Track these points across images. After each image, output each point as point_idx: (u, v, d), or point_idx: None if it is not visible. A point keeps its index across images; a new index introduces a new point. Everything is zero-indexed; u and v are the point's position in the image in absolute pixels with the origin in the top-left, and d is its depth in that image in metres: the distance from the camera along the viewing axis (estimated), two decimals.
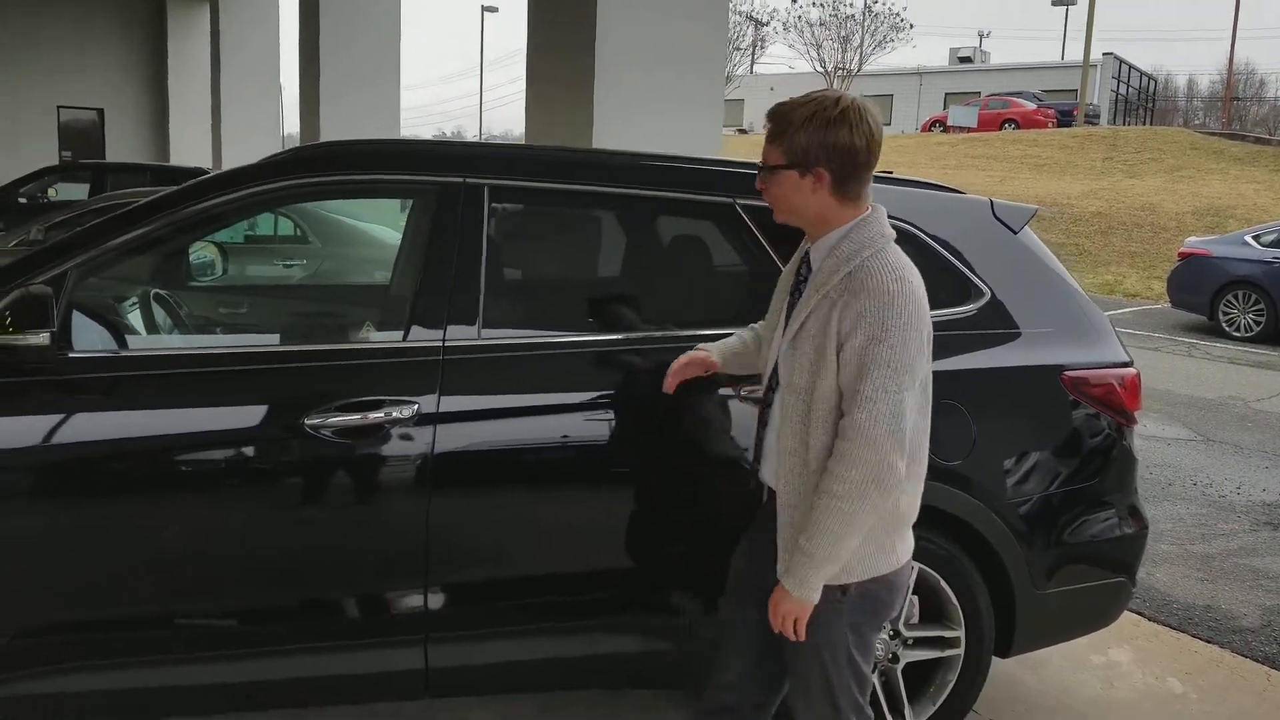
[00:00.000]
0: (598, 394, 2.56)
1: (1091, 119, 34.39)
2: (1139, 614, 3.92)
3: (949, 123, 34.03)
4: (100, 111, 19.70)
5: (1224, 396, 8.43)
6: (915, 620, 2.74)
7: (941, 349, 2.63)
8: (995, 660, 3.37)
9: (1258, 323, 11.31)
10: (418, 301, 2.53)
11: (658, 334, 2.65)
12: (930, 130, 34.80)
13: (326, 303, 4.11)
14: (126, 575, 2.34)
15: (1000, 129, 31.81)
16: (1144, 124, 41.68)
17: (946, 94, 42.21)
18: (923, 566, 2.65)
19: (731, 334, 2.39)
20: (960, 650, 2.74)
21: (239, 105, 14.31)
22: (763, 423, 2.09)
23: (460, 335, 2.49)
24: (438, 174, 2.61)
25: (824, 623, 1.94)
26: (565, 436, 2.53)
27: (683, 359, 2.34)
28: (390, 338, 2.71)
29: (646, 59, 4.85)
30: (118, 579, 2.34)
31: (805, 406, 1.90)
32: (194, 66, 18.32)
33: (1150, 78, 50.01)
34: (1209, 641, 3.74)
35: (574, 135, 4.86)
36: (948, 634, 2.73)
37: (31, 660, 2.32)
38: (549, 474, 2.55)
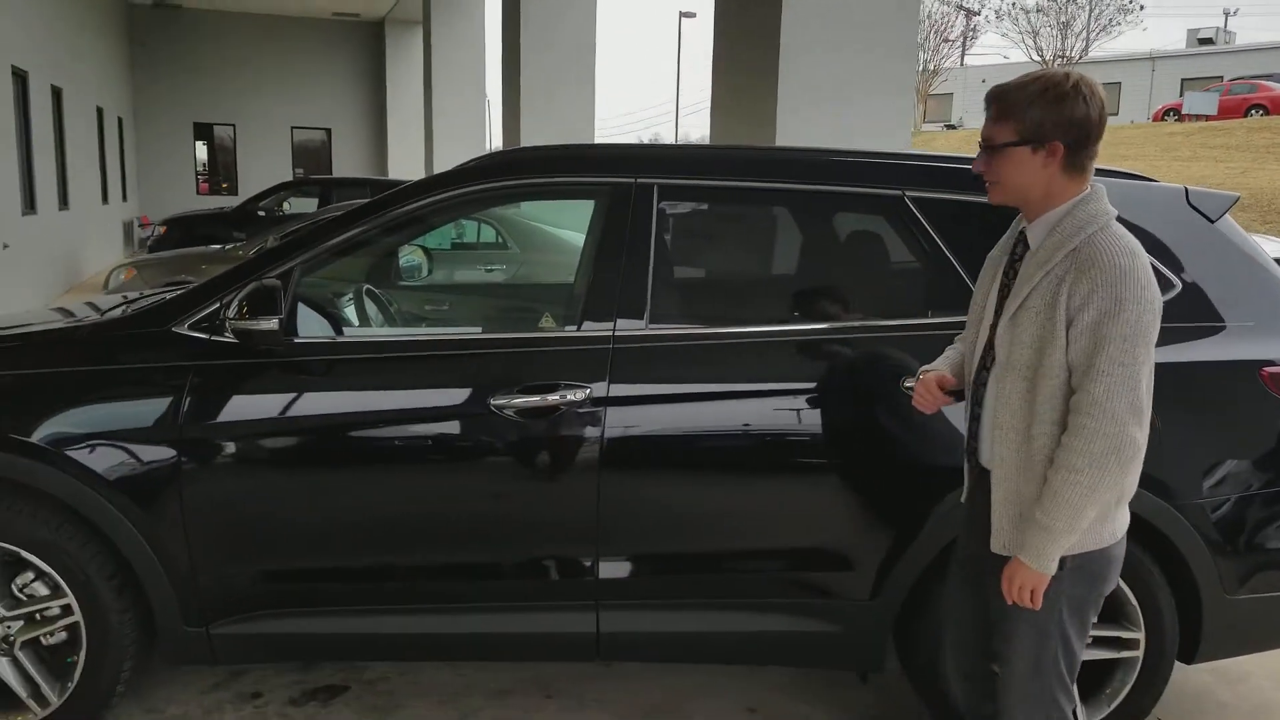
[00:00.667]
0: (759, 384, 2.67)
1: None
2: None
3: (1184, 110, 31.50)
4: (328, 131, 21.52)
5: None
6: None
7: None
8: (1188, 671, 3.24)
9: None
10: (590, 296, 2.73)
11: (819, 326, 2.74)
12: (1163, 119, 32.35)
13: (515, 300, 4.43)
14: (337, 532, 2.66)
15: (1245, 116, 29.17)
16: None
17: (1183, 80, 39.06)
18: None
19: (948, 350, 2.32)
20: (1139, 653, 2.66)
21: (448, 119, 15.26)
22: (977, 403, 2.10)
23: (629, 327, 2.66)
24: (610, 175, 2.80)
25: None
26: (727, 422, 2.66)
27: (928, 384, 2.20)
28: (567, 329, 2.92)
29: (833, 41, 4.81)
30: (330, 535, 2.66)
31: (1027, 383, 1.93)
32: (408, 86, 19.68)
33: None
34: None
35: (757, 128, 4.93)
36: (1125, 635, 2.66)
37: (264, 603, 2.67)
38: (712, 457, 2.68)
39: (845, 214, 2.88)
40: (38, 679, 2.69)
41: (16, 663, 2.69)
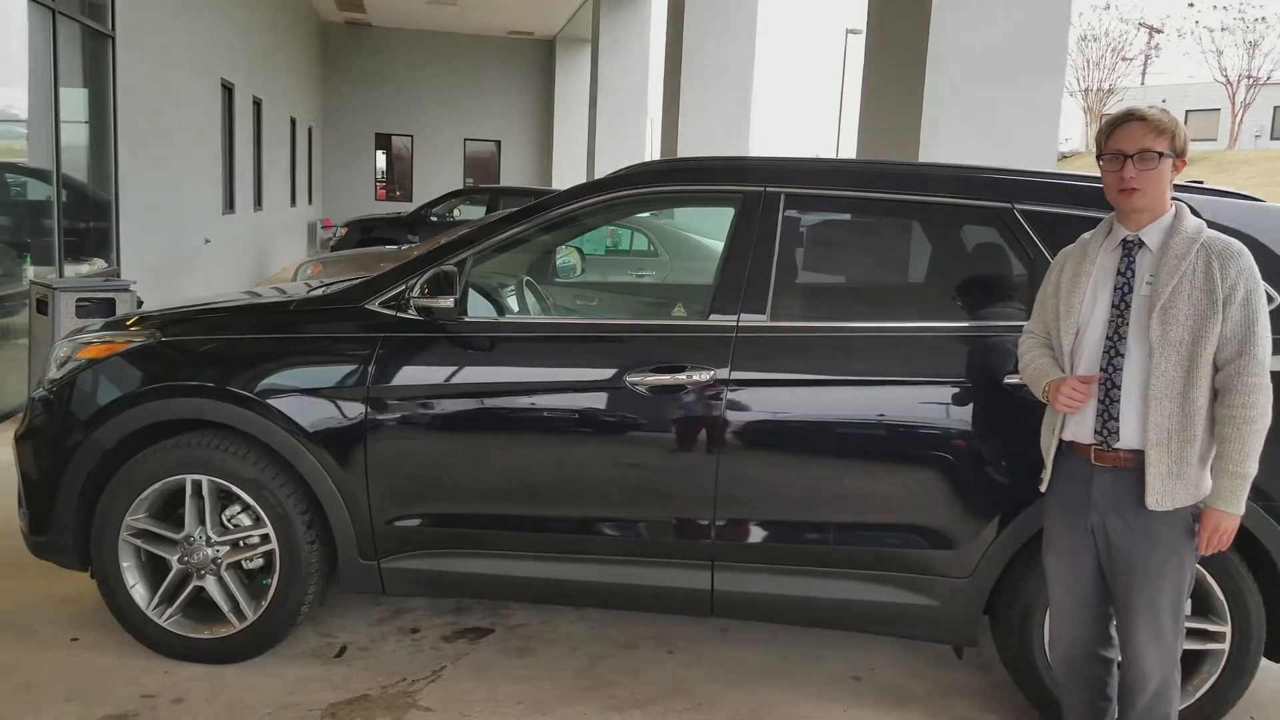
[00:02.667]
0: (869, 375, 2.94)
1: None
2: None
3: None
4: (498, 143, 22.63)
5: None
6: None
7: None
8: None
9: None
10: (720, 291, 3.07)
11: (929, 325, 2.98)
12: None
13: (657, 297, 4.81)
14: (491, 485, 3.07)
15: None
16: None
17: None
18: None
19: (1040, 356, 2.52)
20: (1225, 646, 2.78)
21: (611, 134, 15.86)
22: (1115, 386, 2.34)
23: (751, 320, 2.98)
24: (743, 184, 3.13)
25: (1178, 545, 2.35)
26: (838, 408, 2.94)
27: (1076, 384, 2.36)
28: (698, 320, 3.25)
29: (978, 74, 4.98)
30: (485, 487, 3.08)
31: (1183, 356, 2.26)
32: (575, 101, 20.46)
33: None
34: None
35: (900, 149, 5.10)
36: (1211, 628, 2.79)
37: (427, 544, 3.12)
38: (824, 438, 2.96)
39: (957, 223, 3.11)
40: (238, 597, 3.18)
41: (222, 582, 3.19)
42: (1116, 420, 2.33)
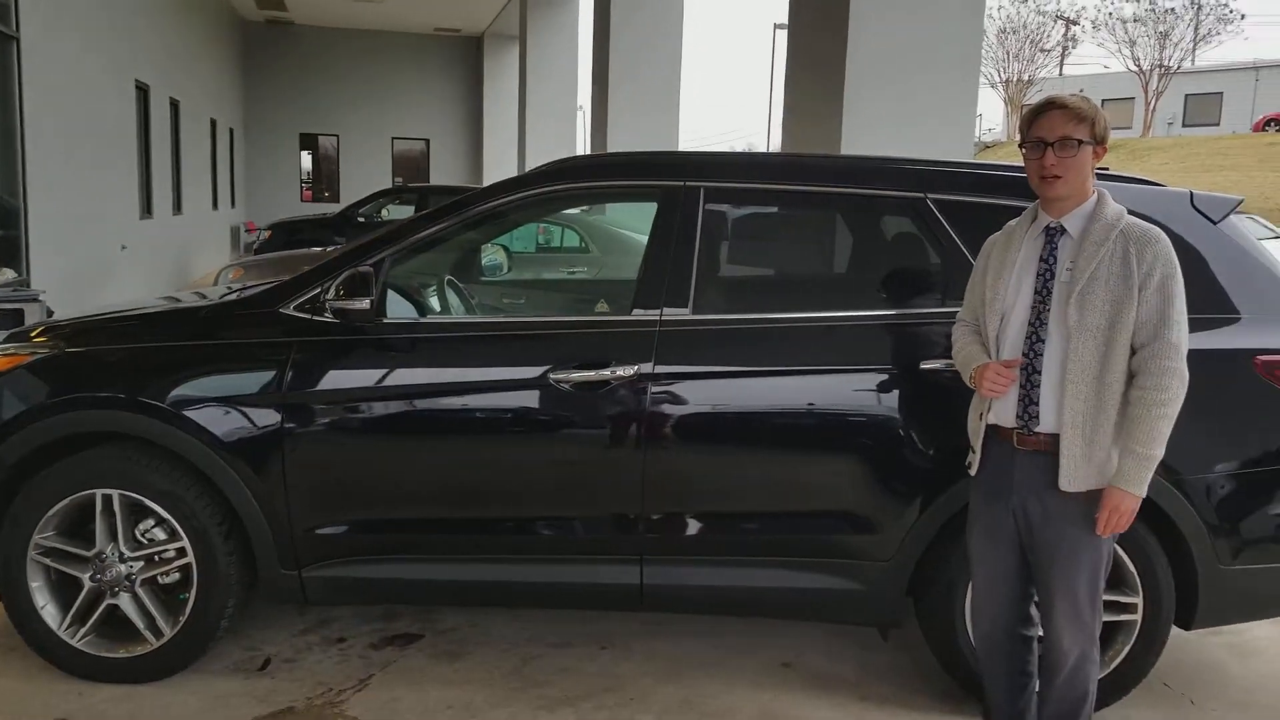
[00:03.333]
0: (791, 365, 2.96)
1: None
2: None
3: None
4: (427, 141, 22.36)
5: None
6: None
7: None
8: (1199, 643, 3.42)
9: None
10: (642, 287, 3.06)
11: (845, 314, 3.01)
12: (1264, 129, 31.34)
13: (584, 294, 4.79)
14: (415, 488, 3.03)
15: None
16: None
17: None
18: None
19: (969, 344, 2.56)
20: (1137, 617, 2.87)
21: (541, 130, 15.79)
22: (1036, 371, 2.38)
23: (674, 314, 2.98)
24: (663, 180, 3.13)
25: (1093, 527, 2.36)
26: (761, 399, 2.96)
27: (1000, 370, 2.40)
28: (621, 316, 3.24)
29: (896, 68, 5.08)
30: (409, 491, 3.03)
31: (1100, 341, 2.30)
32: (505, 98, 20.32)
33: None
34: None
35: (823, 136, 5.16)
36: (1124, 600, 2.87)
37: (349, 551, 3.06)
38: (747, 428, 2.97)
39: (873, 214, 3.15)
40: (154, 613, 3.08)
41: (137, 599, 3.08)
42: (1036, 405, 2.38)
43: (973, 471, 2.56)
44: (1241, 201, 3.07)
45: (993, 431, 2.48)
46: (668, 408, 2.94)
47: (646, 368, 2.93)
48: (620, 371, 2.93)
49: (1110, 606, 2.88)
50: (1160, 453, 2.30)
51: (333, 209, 16.44)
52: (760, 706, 3.08)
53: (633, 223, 8.74)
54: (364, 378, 3.03)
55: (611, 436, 2.97)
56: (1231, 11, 37.94)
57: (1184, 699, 3.16)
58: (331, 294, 3.01)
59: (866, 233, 3.24)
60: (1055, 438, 2.37)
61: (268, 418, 2.99)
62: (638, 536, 2.98)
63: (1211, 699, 3.17)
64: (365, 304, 2.96)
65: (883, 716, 3.04)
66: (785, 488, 2.96)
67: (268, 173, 21.21)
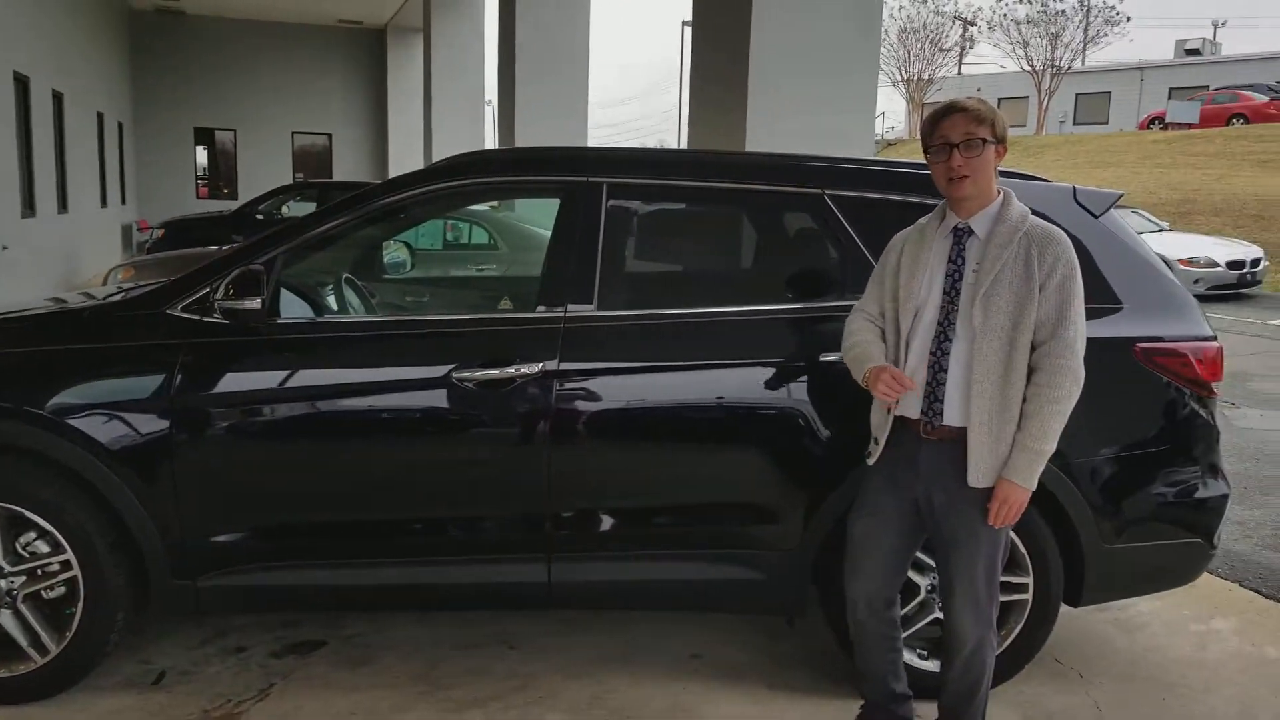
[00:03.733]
0: (694, 360, 2.98)
1: None
2: (1255, 591, 3.95)
3: (1168, 119, 31.95)
4: (329, 135, 21.84)
5: None
6: None
7: None
8: (1087, 619, 3.56)
9: None
10: (546, 283, 3.04)
11: (747, 308, 3.04)
12: (1148, 128, 32.77)
13: (490, 291, 4.74)
14: (313, 492, 2.96)
15: (1227, 124, 29.58)
16: None
17: (1171, 89, 39.42)
18: None
19: (864, 340, 2.59)
20: (1028, 596, 2.97)
21: (447, 126, 15.57)
22: (942, 369, 2.43)
23: (579, 310, 2.97)
24: (565, 175, 3.12)
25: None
26: (666, 394, 2.97)
27: (897, 376, 2.44)
28: (525, 313, 3.22)
29: (798, 67, 5.16)
30: (307, 495, 2.96)
31: (1003, 341, 2.36)
32: (409, 91, 19.97)
33: None
34: None
35: (729, 133, 5.21)
36: (1016, 580, 2.97)
37: (245, 558, 2.97)
38: (652, 424, 2.98)
39: (773, 209, 3.19)
40: (38, 629, 2.93)
41: (19, 615, 2.93)
42: (941, 402, 2.44)
43: (871, 462, 2.61)
44: (1121, 196, 3.20)
45: (899, 422, 2.54)
46: (573, 405, 2.93)
47: (552, 365, 2.91)
48: (525, 369, 2.90)
49: (1003, 587, 2.98)
50: (1051, 448, 2.39)
51: (230, 206, 15.96)
52: (670, 699, 3.10)
53: (543, 219, 8.67)
54: (257, 380, 2.94)
55: (517, 435, 2.95)
56: (1118, 14, 39.57)
57: (1073, 673, 3.28)
58: (220, 294, 2.91)
59: (768, 228, 3.28)
60: (960, 429, 2.43)
61: (156, 424, 2.87)
62: (545, 534, 2.96)
63: (1099, 672, 3.30)
64: (256, 304, 2.87)
65: (790, 703, 3.08)
66: (691, 481, 2.98)
67: (161, 169, 20.43)
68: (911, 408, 2.49)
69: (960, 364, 2.41)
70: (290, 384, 2.95)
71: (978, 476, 2.41)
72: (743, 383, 2.97)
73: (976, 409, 2.38)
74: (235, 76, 20.62)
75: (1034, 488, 2.41)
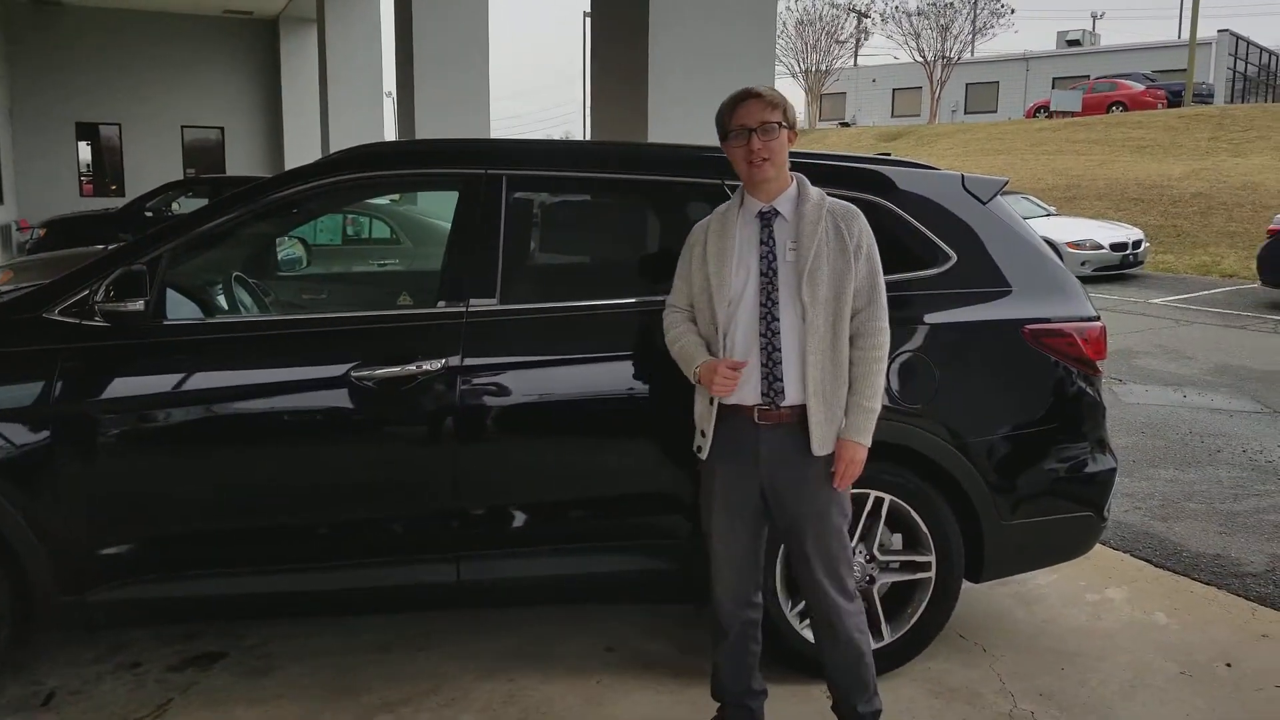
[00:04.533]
0: (597, 352, 2.97)
1: (1204, 98, 33.01)
2: (1145, 560, 4.13)
3: (1052, 107, 33.23)
4: (221, 129, 21.12)
5: None
6: (892, 547, 3.08)
7: (908, 306, 2.99)
8: (989, 594, 3.68)
9: None
10: (447, 277, 2.99)
11: (655, 299, 3.03)
12: (1034, 116, 34.02)
13: (391, 286, 4.65)
14: (208, 500, 2.85)
15: (1107, 112, 30.92)
16: (1269, 102, 39.72)
17: (1054, 79, 40.99)
18: (894, 499, 2.99)
19: (687, 337, 2.62)
20: (931, 574, 3.05)
21: (346, 119, 15.20)
22: (776, 349, 2.47)
23: (481, 304, 2.93)
24: (464, 167, 3.06)
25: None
26: (570, 387, 2.95)
27: (729, 369, 2.47)
28: (427, 308, 3.16)
29: (696, 57, 5.16)
30: (201, 503, 2.85)
31: (830, 312, 2.46)
32: (305, 83, 19.43)
33: (1272, 54, 47.47)
34: (1208, 584, 3.93)
35: (630, 124, 5.20)
36: (919, 559, 3.04)
37: (137, 570, 2.84)
38: (556, 417, 2.96)
39: (673, 200, 3.19)
40: None
41: None
42: (781, 381, 2.48)
43: (704, 455, 2.60)
44: (1007, 182, 3.30)
45: (729, 411, 2.54)
46: (478, 401, 2.89)
47: (455, 361, 2.86)
48: (427, 366, 2.85)
49: (906, 566, 3.06)
50: (879, 405, 2.52)
51: (119, 203, 15.31)
52: (584, 693, 3.09)
53: (447, 213, 8.53)
54: (143, 385, 2.81)
55: (421, 433, 2.89)
56: (1003, 6, 40.91)
57: (977, 647, 3.39)
58: (101, 296, 2.78)
59: (670, 219, 3.27)
60: (798, 409, 2.48)
61: (35, 433, 2.73)
62: (452, 532, 2.92)
63: (1001, 645, 3.41)
64: (140, 305, 2.75)
65: (704, 691, 3.08)
66: (599, 474, 2.97)
67: (41, 165, 19.46)
68: (747, 395, 2.51)
69: (792, 341, 2.47)
70: (179, 388, 2.84)
71: (820, 444, 2.48)
72: (645, 373, 2.96)
73: (813, 379, 2.46)
74: (120, 69, 19.76)
75: (869, 444, 2.51)
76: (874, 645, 3.02)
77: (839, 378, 2.49)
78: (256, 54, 20.95)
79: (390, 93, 20.80)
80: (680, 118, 5.08)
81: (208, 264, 3.49)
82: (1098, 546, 3.86)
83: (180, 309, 3.08)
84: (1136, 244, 14.89)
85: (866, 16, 45.13)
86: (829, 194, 2.60)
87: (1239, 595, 3.83)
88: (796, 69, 43.76)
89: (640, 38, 5.08)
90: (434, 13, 10.38)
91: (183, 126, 20.71)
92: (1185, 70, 32.30)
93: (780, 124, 2.49)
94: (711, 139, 4.50)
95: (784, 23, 42.29)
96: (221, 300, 3.52)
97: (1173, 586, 3.89)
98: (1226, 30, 40.82)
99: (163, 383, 2.83)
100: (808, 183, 2.57)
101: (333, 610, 3.10)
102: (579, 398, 2.96)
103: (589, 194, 3.30)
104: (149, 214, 13.02)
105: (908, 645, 3.12)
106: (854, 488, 2.63)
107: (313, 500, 2.90)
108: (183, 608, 2.94)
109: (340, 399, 2.86)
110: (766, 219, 2.52)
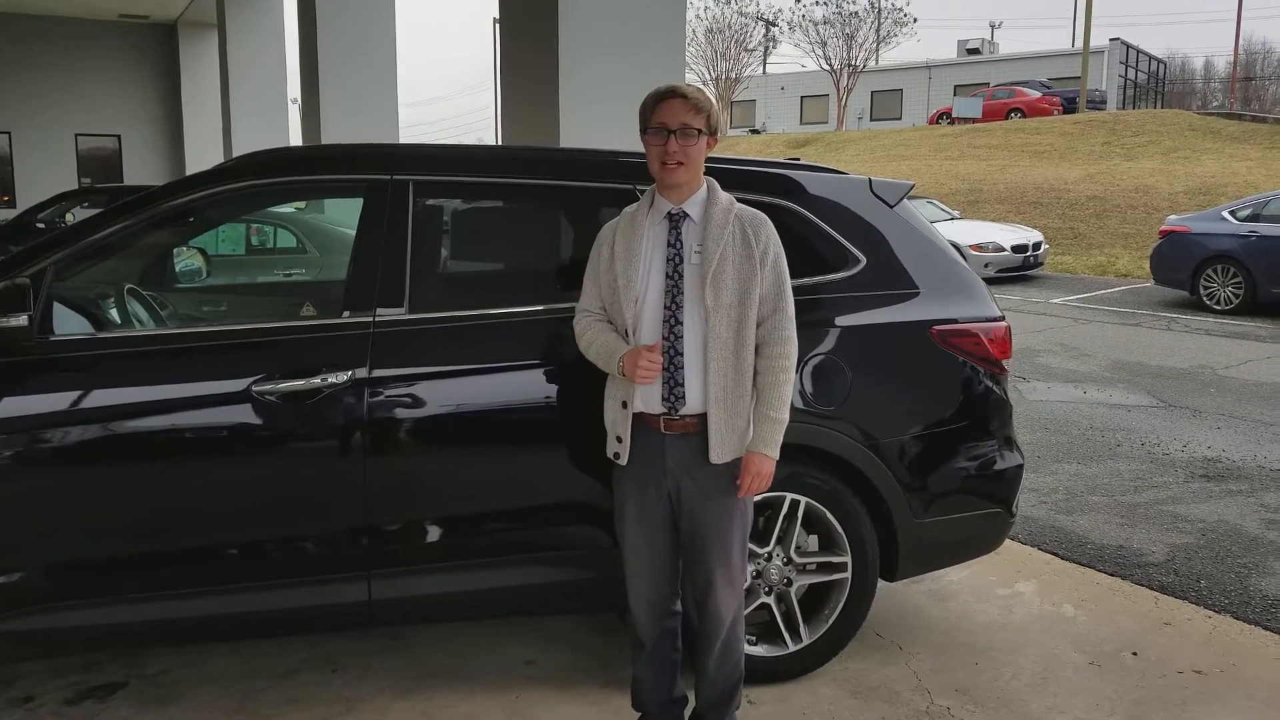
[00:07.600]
0: (506, 362, 2.91)
1: (1097, 105, 34.40)
2: (1052, 553, 4.25)
3: (954, 114, 34.22)
4: (118, 137, 20.37)
5: (1194, 366, 8.68)
6: (808, 549, 3.09)
7: (819, 309, 3.01)
8: (904, 592, 3.73)
9: (1236, 295, 11.56)
10: (353, 286, 2.90)
11: (567, 306, 3.00)
12: (937, 123, 34.98)
13: (295, 296, 4.51)
14: (102, 523, 2.71)
15: (1006, 118, 32.00)
16: (1156, 108, 41.58)
17: (955, 86, 42.23)
18: (810, 500, 3.00)
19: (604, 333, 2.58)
20: (848, 575, 3.07)
21: (249, 126, 14.79)
22: (672, 359, 2.44)
23: (389, 314, 2.85)
24: (368, 173, 2.98)
25: (737, 493, 2.50)
26: (481, 397, 2.89)
27: (651, 357, 2.43)
28: (332, 318, 3.06)
29: (605, 47, 5.13)
30: (95, 527, 2.71)
31: (733, 318, 2.43)
32: (206, 89, 18.89)
33: (1160, 62, 49.79)
34: (1112, 575, 4.06)
35: (542, 124, 5.15)
36: (835, 560, 3.07)
37: (28, 599, 2.69)
38: (467, 429, 2.89)
39: (584, 205, 3.15)
40: None
41: None
42: (682, 386, 2.46)
43: (622, 462, 2.57)
44: (913, 186, 3.36)
45: (637, 419, 2.52)
46: (388, 413, 2.81)
47: (362, 373, 2.78)
48: (333, 379, 2.76)
49: (823, 568, 3.08)
50: (787, 415, 2.49)
51: (8, 215, 14.62)
52: (505, 708, 3.03)
53: (354, 221, 8.34)
54: (28, 405, 2.67)
55: (328, 448, 2.79)
56: (906, 15, 41.93)
57: (893, 645, 3.43)
58: None
59: (583, 224, 3.23)
60: (701, 418, 2.46)
61: None
62: (362, 550, 2.83)
63: (917, 643, 3.46)
64: (23, 320, 2.61)
65: (626, 700, 3.06)
66: (512, 484, 2.91)
67: None
68: (651, 402, 2.49)
69: (694, 345, 2.44)
70: (68, 407, 2.69)
71: (718, 453, 2.45)
72: (558, 382, 2.93)
73: (714, 386, 2.43)
74: (7, 75, 18.91)
75: (777, 456, 2.48)
76: (792, 647, 3.06)
77: (741, 385, 2.46)
78: (154, 59, 20.28)
79: (295, 99, 20.32)
80: (592, 111, 5.04)
81: (98, 276, 3.33)
82: (1007, 541, 3.95)
83: (68, 324, 2.93)
84: (1037, 246, 15.40)
85: (774, 25, 45.82)
86: (740, 198, 2.59)
87: (1142, 585, 3.96)
88: (707, 77, 44.16)
89: (550, 37, 5.03)
90: (338, 15, 10.16)
91: (77, 134, 19.94)
92: (1080, 77, 33.59)
93: (701, 130, 2.43)
94: (622, 136, 4.49)
95: (694, 31, 42.65)
96: (114, 314, 3.35)
97: (1080, 578, 4.00)
98: (1118, 39, 42.64)
99: (49, 402, 2.68)
100: (718, 187, 2.55)
101: (239, 635, 2.98)
102: (492, 408, 2.90)
103: (499, 200, 3.24)
104: (40, 225, 12.49)
105: (826, 646, 3.13)
106: (770, 490, 2.64)
107: (215, 521, 2.78)
108: (79, 638, 2.79)
109: (242, 414, 2.75)
110: (675, 221, 2.50)
